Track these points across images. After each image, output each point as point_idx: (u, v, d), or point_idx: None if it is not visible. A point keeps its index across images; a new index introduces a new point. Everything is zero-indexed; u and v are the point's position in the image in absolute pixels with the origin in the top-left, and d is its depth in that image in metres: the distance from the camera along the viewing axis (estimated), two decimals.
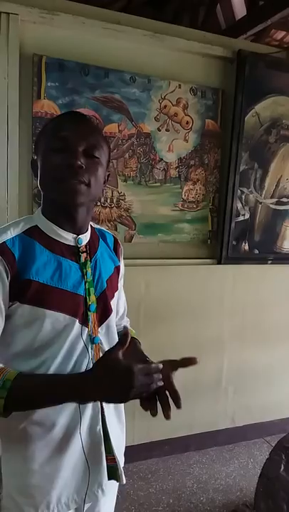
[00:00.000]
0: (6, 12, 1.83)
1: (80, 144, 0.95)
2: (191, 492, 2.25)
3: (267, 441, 2.73)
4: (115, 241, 1.20)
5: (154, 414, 0.96)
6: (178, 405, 0.95)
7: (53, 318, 0.95)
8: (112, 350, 0.88)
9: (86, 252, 1.04)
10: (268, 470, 1.54)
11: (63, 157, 0.94)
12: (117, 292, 1.15)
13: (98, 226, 1.18)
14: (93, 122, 1.07)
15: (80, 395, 0.88)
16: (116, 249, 1.18)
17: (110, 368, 0.85)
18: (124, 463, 1.14)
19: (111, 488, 1.11)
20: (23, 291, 0.93)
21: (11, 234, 0.96)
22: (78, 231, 1.02)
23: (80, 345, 0.99)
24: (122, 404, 1.14)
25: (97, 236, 1.12)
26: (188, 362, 0.97)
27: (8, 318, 0.95)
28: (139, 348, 1.17)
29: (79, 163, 0.93)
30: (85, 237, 1.04)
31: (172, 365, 0.98)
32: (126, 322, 1.30)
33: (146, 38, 2.09)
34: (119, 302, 1.21)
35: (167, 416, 0.94)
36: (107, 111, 2.07)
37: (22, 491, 0.99)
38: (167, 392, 0.96)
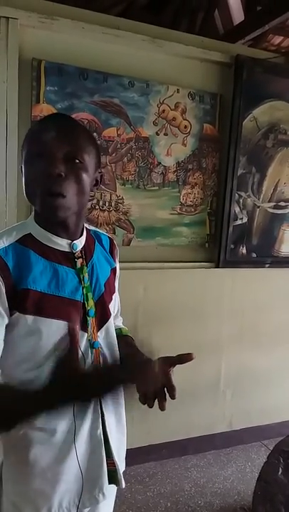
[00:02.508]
0: (6, 16, 1.84)
1: (59, 149, 0.90)
2: (188, 495, 2.24)
3: (264, 445, 2.73)
4: (111, 242, 1.18)
5: (150, 406, 1.00)
6: (172, 396, 0.98)
7: (52, 327, 0.94)
8: (64, 358, 0.82)
9: (82, 257, 1.03)
10: (265, 473, 1.54)
11: (42, 165, 0.89)
12: (114, 294, 1.15)
13: (93, 228, 1.17)
14: (76, 123, 0.99)
15: (44, 406, 0.81)
16: (112, 251, 1.17)
17: (62, 376, 0.80)
18: (124, 467, 1.14)
19: (110, 492, 1.11)
20: (21, 300, 0.92)
21: (4, 243, 0.94)
22: (72, 236, 1.01)
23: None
24: (123, 407, 1.14)
25: (92, 239, 1.11)
26: (185, 358, 1.00)
27: (8, 328, 0.94)
28: (134, 345, 1.18)
29: (57, 171, 0.88)
30: (80, 242, 1.03)
31: (170, 362, 1.00)
32: (119, 321, 1.30)
33: (145, 43, 2.10)
34: (114, 302, 1.22)
35: (162, 407, 0.98)
36: (106, 115, 2.08)
37: (23, 495, 0.99)
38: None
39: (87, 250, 1.06)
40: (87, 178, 0.95)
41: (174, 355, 1.01)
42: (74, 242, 1.01)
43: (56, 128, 0.92)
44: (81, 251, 1.03)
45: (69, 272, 0.99)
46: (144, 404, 0.99)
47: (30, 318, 0.93)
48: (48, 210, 0.93)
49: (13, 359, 0.96)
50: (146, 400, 0.99)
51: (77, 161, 0.92)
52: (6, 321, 0.92)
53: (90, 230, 1.13)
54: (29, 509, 0.99)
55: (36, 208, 0.96)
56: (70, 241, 1.00)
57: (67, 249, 1.00)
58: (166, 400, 0.98)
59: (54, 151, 0.90)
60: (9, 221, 1.92)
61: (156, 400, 0.99)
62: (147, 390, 0.98)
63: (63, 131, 0.93)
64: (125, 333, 1.24)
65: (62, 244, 1.00)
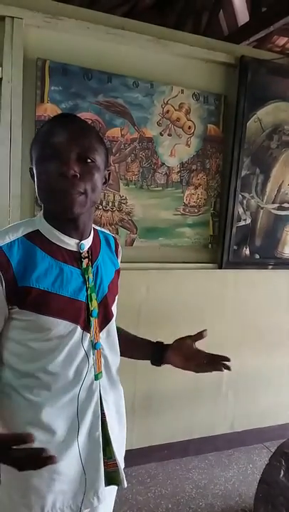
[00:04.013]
0: (11, 16, 1.84)
1: (72, 150, 0.91)
2: (190, 497, 2.24)
3: (266, 447, 2.72)
4: (115, 242, 1.19)
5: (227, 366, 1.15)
6: (226, 359, 1.15)
7: (53, 325, 0.95)
8: None
9: (88, 257, 1.03)
10: (267, 475, 1.54)
11: (56, 166, 0.91)
12: (117, 295, 1.15)
13: (101, 228, 1.18)
14: (85, 123, 1.01)
15: None
16: (116, 252, 1.18)
17: None
18: (123, 466, 1.14)
19: (109, 494, 1.11)
20: (22, 297, 0.92)
21: (9, 238, 0.94)
22: (81, 236, 1.01)
23: (81, 351, 0.99)
24: (124, 407, 1.15)
25: (99, 240, 1.12)
26: (201, 335, 1.16)
27: (8, 321, 0.95)
28: (135, 338, 1.28)
29: (72, 172, 0.90)
30: (87, 243, 1.03)
31: (191, 341, 1.16)
32: None
33: (149, 43, 2.10)
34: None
35: (221, 369, 1.14)
36: (110, 115, 2.08)
37: (19, 490, 1.00)
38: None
39: (94, 251, 1.06)
40: (98, 177, 0.97)
41: (189, 335, 1.17)
42: (82, 242, 1.01)
43: (67, 129, 0.93)
44: (87, 251, 1.03)
45: (74, 271, 0.99)
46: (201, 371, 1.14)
47: (30, 314, 0.93)
48: (65, 206, 0.93)
49: (12, 349, 0.98)
50: (200, 370, 1.14)
51: (89, 160, 0.94)
52: (4, 315, 0.94)
53: (97, 230, 1.14)
54: (23, 504, 0.99)
55: (50, 206, 0.97)
56: (78, 240, 1.01)
57: (74, 249, 1.01)
58: (217, 366, 1.13)
59: (67, 152, 0.91)
60: (13, 220, 1.92)
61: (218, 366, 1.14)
62: (189, 366, 1.15)
63: (74, 132, 0.94)
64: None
65: (70, 243, 1.00)
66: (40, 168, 0.94)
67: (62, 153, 0.91)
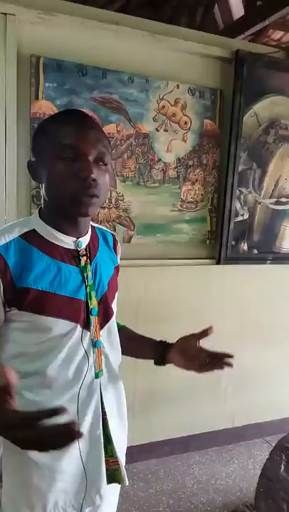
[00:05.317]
0: (4, 12, 1.82)
1: (90, 153, 0.91)
2: (191, 492, 2.24)
3: (267, 442, 2.73)
4: (114, 239, 1.18)
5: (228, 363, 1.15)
6: (228, 356, 1.15)
7: (53, 325, 0.94)
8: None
9: (86, 255, 1.02)
10: (268, 470, 1.54)
11: (75, 168, 0.89)
12: (117, 293, 1.14)
13: (98, 225, 1.16)
14: (97, 124, 0.99)
15: None
16: (115, 248, 1.17)
17: None
18: (124, 463, 1.14)
19: (112, 492, 1.11)
20: (20, 298, 0.91)
21: (5, 239, 0.93)
22: (79, 234, 1.00)
23: (81, 350, 0.99)
24: (125, 404, 1.14)
25: (97, 237, 1.10)
26: (206, 333, 1.13)
27: (6, 322, 0.94)
28: (138, 336, 1.26)
29: (93, 176, 0.89)
30: (85, 240, 1.02)
31: (196, 338, 1.13)
32: None
33: (144, 38, 2.09)
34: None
35: (222, 368, 1.15)
36: (105, 111, 2.07)
37: (20, 490, 0.99)
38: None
39: (92, 248, 1.05)
40: (109, 179, 0.97)
41: (194, 332, 1.14)
42: (79, 239, 1.00)
43: (83, 131, 0.92)
44: (85, 249, 1.02)
45: (72, 269, 0.98)
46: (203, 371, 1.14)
47: (29, 315, 0.92)
48: (81, 207, 0.92)
49: (10, 351, 0.97)
50: (201, 370, 1.14)
51: (101, 163, 0.94)
52: (1, 316, 0.93)
53: (94, 227, 1.12)
54: (24, 505, 0.99)
55: (60, 205, 0.94)
56: (75, 238, 0.99)
57: (72, 247, 0.99)
58: (218, 365, 1.14)
59: (86, 155, 0.90)
60: (9, 219, 1.90)
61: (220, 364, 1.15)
62: (192, 365, 1.14)
63: (93, 134, 0.93)
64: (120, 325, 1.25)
65: (67, 241, 0.98)
66: (55, 167, 0.91)
67: (81, 156, 0.90)
